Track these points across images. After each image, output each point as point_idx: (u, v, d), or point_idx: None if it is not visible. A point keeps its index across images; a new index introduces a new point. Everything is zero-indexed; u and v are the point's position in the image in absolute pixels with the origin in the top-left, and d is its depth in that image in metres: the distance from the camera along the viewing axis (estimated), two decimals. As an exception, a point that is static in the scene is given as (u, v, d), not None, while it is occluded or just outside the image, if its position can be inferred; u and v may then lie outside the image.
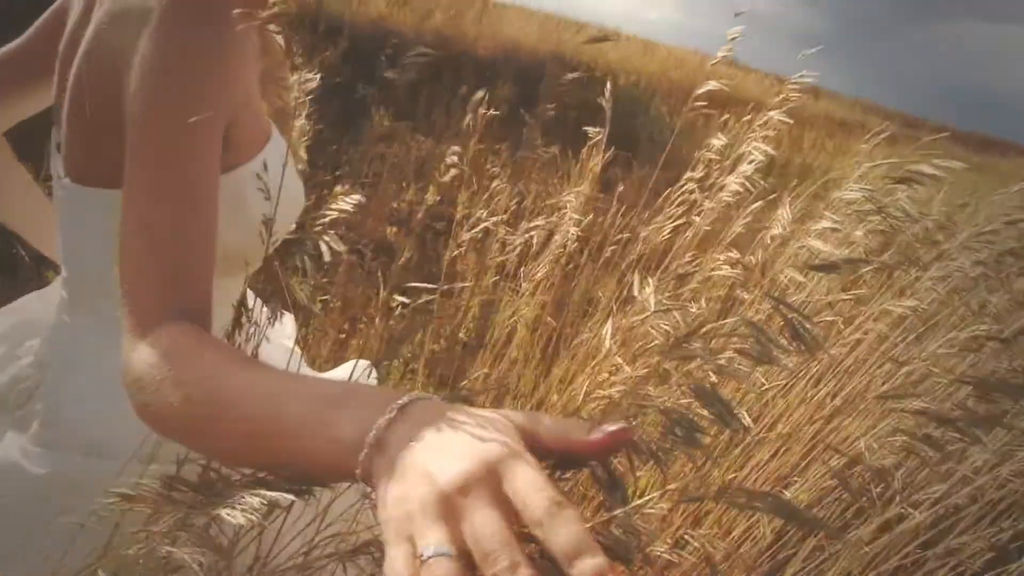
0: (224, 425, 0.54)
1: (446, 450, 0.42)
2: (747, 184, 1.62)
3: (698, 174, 1.80)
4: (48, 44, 0.87)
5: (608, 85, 2.05)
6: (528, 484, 0.41)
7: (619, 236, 2.17)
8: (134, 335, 0.61)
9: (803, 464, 1.56)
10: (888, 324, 1.50)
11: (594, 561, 0.37)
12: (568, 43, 9.96)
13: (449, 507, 0.40)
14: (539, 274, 2.11)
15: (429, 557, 0.38)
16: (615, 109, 2.17)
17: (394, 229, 3.81)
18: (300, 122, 1.24)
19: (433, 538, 0.39)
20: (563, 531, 0.39)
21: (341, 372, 1.23)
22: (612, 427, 0.46)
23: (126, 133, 0.67)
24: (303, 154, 1.20)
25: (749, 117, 1.83)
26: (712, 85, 1.63)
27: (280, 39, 0.92)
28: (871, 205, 1.15)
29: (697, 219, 1.79)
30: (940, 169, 1.01)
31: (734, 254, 1.63)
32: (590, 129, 2.36)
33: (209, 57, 0.68)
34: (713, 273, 1.65)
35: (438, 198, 2.48)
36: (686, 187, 1.77)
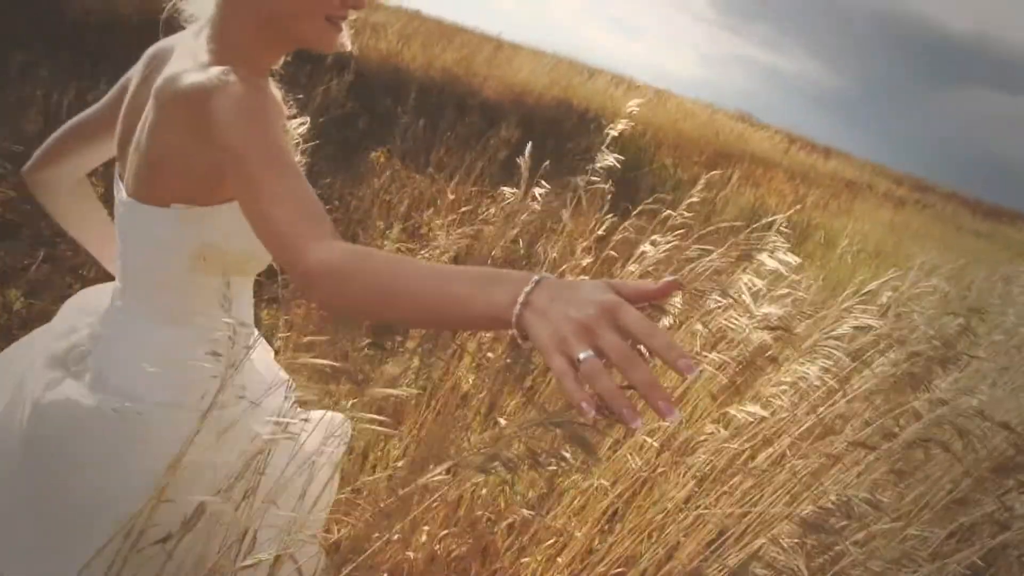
0: (404, 300, 0.76)
1: (575, 301, 0.64)
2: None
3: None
4: (116, 109, 1.19)
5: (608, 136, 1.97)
6: (633, 317, 0.63)
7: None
8: (304, 257, 0.83)
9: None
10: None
11: (679, 349, 0.61)
12: (578, 88, 10.00)
13: (588, 332, 0.63)
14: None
15: (584, 359, 0.61)
16: (619, 157, 2.11)
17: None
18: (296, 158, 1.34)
19: (582, 348, 0.62)
20: (658, 338, 0.62)
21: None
22: (667, 279, 0.68)
23: (227, 157, 0.94)
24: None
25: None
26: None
27: (280, 93, 1.20)
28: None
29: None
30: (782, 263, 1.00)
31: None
32: (579, 181, 2.27)
33: (267, 102, 1.00)
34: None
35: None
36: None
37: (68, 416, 1.10)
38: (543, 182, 2.07)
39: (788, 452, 1.40)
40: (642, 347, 0.64)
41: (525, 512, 1.60)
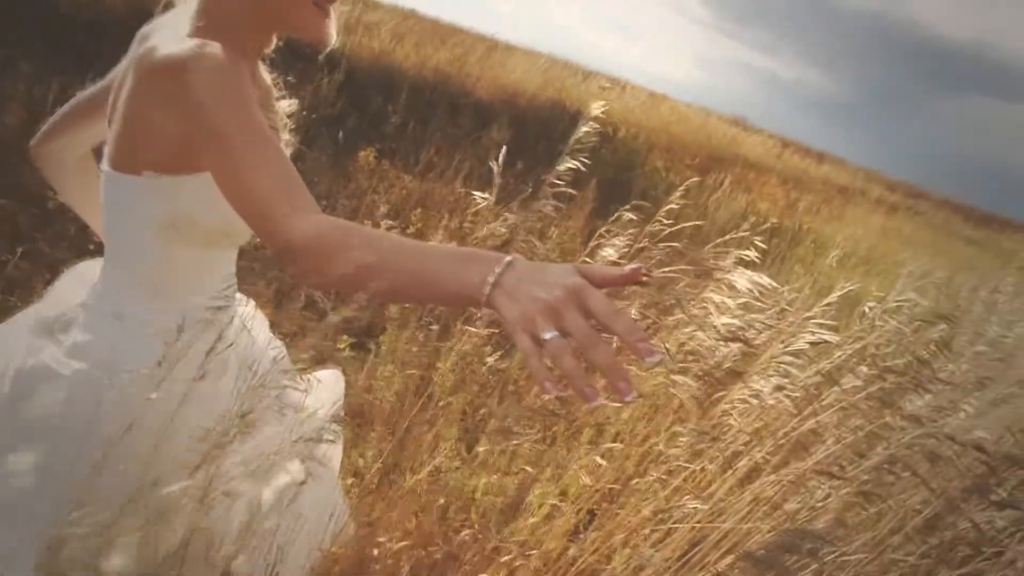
0: (384, 274, 0.78)
1: (543, 283, 0.67)
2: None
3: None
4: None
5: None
6: (597, 300, 0.66)
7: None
8: (286, 229, 0.85)
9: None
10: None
11: (640, 333, 0.63)
12: (571, 90, 9.97)
13: (554, 313, 0.66)
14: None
15: (549, 338, 0.65)
16: (610, 159, 2.08)
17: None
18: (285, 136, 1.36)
19: (548, 328, 0.65)
20: (620, 322, 0.65)
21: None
22: (632, 266, 0.71)
23: (203, 132, 0.95)
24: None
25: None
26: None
27: (269, 76, 1.23)
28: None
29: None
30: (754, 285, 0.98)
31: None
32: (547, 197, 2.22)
33: (241, 76, 0.99)
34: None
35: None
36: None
37: (44, 382, 1.11)
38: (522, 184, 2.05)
39: (747, 476, 1.37)
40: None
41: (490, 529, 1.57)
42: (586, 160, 1.73)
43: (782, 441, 1.32)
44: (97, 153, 1.40)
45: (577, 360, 0.65)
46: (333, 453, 1.48)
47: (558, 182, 2.02)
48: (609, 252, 1.67)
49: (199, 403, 1.11)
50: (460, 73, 8.19)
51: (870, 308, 1.56)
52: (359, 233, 0.82)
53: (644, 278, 0.71)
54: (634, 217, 2.22)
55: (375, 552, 1.30)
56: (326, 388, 1.43)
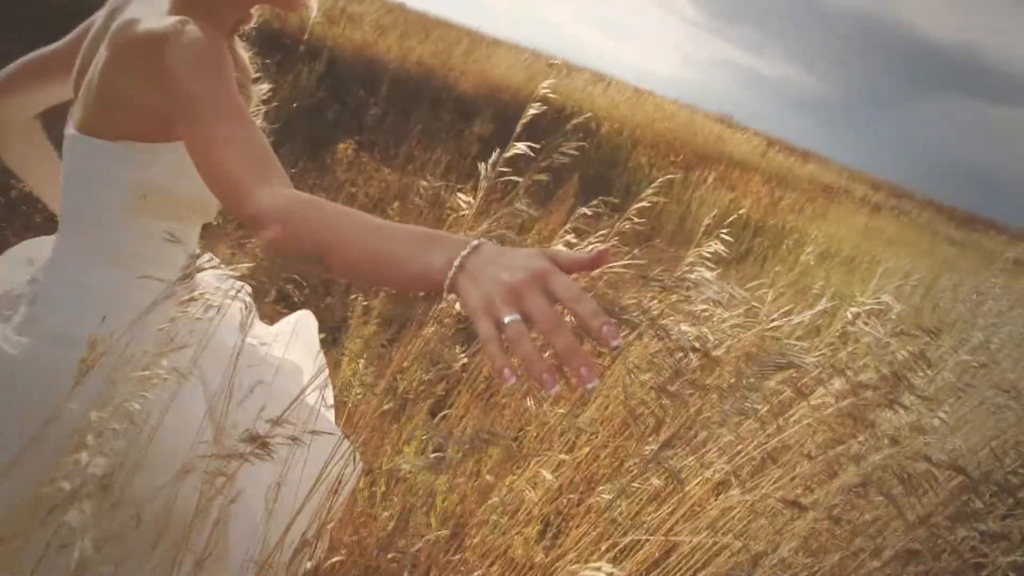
0: (344, 252, 0.77)
1: (508, 267, 0.66)
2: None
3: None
4: (75, 49, 1.19)
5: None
6: (563, 283, 0.65)
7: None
8: (252, 200, 0.85)
9: None
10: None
11: (604, 317, 0.63)
12: (556, 85, 9.91)
13: (516, 296, 0.64)
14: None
15: (509, 322, 0.63)
16: (594, 155, 2.01)
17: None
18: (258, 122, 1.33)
19: (508, 311, 0.64)
20: (584, 304, 0.63)
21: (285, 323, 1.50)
22: (598, 247, 0.70)
23: (179, 106, 0.95)
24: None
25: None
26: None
27: (246, 55, 1.23)
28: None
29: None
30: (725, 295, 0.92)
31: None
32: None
33: (221, 52, 0.98)
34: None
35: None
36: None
37: None
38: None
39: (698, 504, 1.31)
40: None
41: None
42: (570, 153, 1.66)
43: (742, 460, 1.25)
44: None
45: (536, 346, 0.63)
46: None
47: (540, 177, 1.93)
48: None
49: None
50: (444, 67, 8.12)
51: (849, 316, 1.48)
52: (324, 209, 0.81)
53: (608, 259, 0.70)
54: (604, 213, 2.16)
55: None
56: (300, 340, 1.43)
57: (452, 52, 8.95)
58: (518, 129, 1.59)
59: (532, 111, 1.55)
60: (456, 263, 0.68)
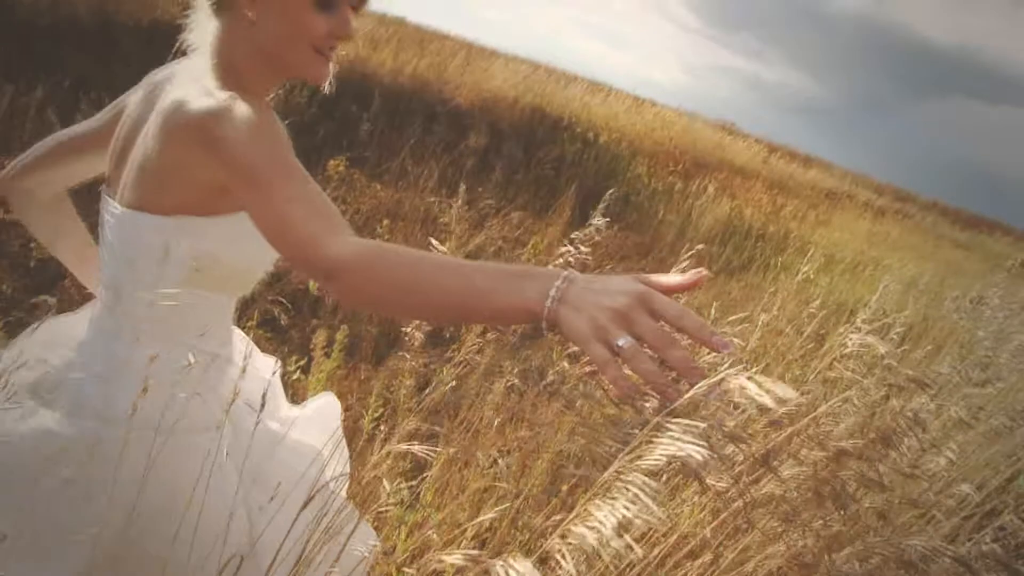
0: (426, 293, 0.79)
1: (607, 292, 0.69)
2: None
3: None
4: (110, 128, 1.24)
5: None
6: (664, 303, 0.68)
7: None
8: (324, 252, 0.87)
9: None
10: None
11: (711, 328, 0.67)
12: (552, 95, 9.84)
13: (625, 319, 0.68)
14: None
15: (623, 344, 0.67)
16: (592, 166, 1.92)
17: (316, 285, 3.56)
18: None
19: (620, 335, 0.67)
20: (689, 320, 0.67)
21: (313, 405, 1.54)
22: (694, 271, 0.72)
23: (241, 178, 0.99)
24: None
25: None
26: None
27: None
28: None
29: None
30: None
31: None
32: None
33: (272, 119, 1.05)
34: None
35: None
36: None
37: (45, 446, 1.10)
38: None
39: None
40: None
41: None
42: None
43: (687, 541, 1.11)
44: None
45: (655, 362, 0.66)
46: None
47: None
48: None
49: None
50: (439, 79, 8.05)
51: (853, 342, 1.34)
52: (399, 252, 0.83)
53: (704, 280, 0.73)
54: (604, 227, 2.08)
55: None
56: (316, 424, 1.44)
57: (448, 65, 8.89)
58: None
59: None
60: (553, 294, 0.71)
